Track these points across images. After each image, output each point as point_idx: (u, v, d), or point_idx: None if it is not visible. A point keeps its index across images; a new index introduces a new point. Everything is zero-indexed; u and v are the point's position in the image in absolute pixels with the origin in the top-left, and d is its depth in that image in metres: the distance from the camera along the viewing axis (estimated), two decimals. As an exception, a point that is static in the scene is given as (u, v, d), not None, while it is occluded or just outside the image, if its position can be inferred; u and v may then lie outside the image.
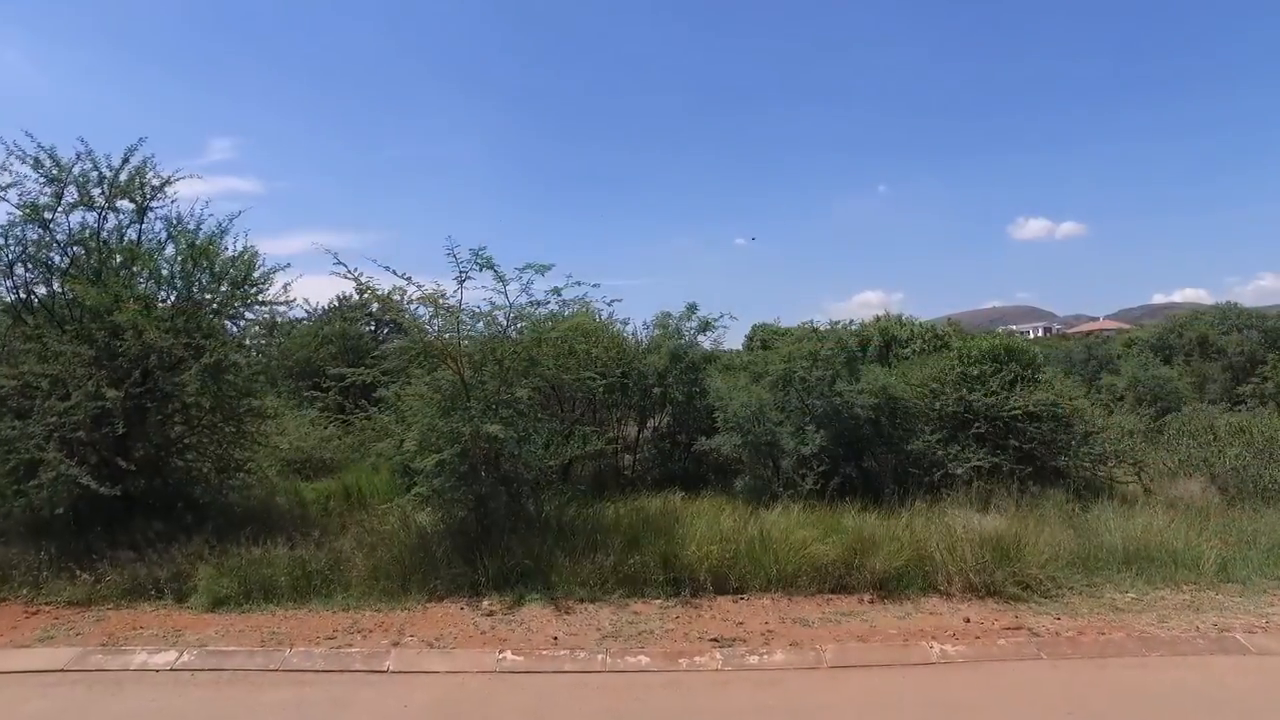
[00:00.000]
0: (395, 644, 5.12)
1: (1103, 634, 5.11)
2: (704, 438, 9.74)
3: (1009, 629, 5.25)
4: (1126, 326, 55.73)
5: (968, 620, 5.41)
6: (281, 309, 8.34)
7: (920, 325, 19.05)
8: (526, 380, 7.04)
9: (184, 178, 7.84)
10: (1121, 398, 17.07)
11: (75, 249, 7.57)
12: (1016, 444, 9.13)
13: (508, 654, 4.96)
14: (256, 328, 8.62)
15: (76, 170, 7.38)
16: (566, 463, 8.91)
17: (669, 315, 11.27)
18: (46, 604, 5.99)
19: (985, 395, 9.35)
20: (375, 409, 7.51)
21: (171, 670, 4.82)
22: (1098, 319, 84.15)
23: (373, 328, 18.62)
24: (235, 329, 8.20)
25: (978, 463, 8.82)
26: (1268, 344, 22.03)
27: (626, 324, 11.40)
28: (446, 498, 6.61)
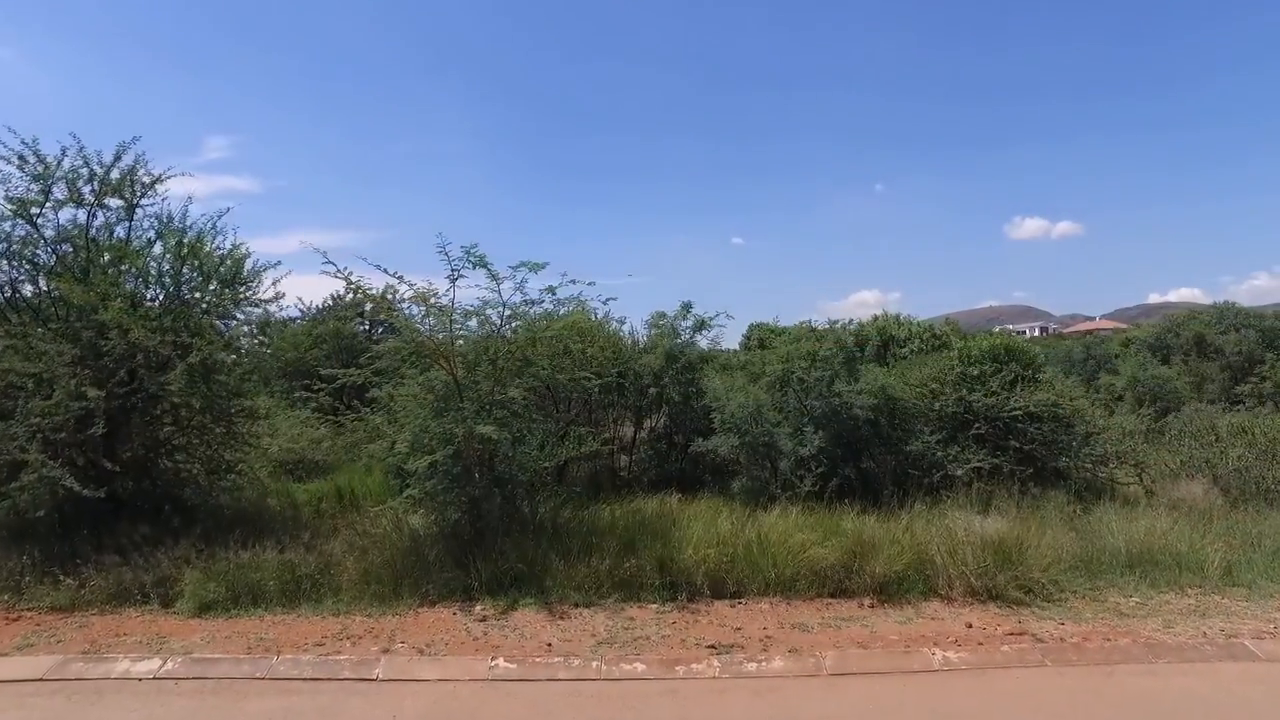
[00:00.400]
0: (385, 651, 5.00)
1: (1108, 640, 5.01)
2: (701, 439, 9.61)
3: (1012, 634, 5.14)
4: (1123, 326, 55.83)
5: (970, 625, 5.30)
6: (272, 308, 8.21)
7: (918, 325, 18.93)
8: (521, 380, 6.94)
9: (175, 175, 7.74)
10: (1121, 397, 17.02)
11: (63, 246, 7.43)
12: (1017, 445, 9.04)
13: (500, 661, 4.84)
14: (247, 327, 8.49)
15: (66, 166, 7.25)
16: (561, 464, 8.79)
17: (664, 315, 11.15)
18: (28, 610, 5.86)
19: (985, 395, 9.26)
20: (368, 410, 7.40)
21: (154, 679, 4.70)
22: (1094, 319, 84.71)
23: (367, 327, 18.45)
24: (225, 328, 8.07)
25: (978, 464, 8.73)
26: (1265, 343, 21.97)
27: (624, 323, 11.29)
28: (439, 500, 6.50)
